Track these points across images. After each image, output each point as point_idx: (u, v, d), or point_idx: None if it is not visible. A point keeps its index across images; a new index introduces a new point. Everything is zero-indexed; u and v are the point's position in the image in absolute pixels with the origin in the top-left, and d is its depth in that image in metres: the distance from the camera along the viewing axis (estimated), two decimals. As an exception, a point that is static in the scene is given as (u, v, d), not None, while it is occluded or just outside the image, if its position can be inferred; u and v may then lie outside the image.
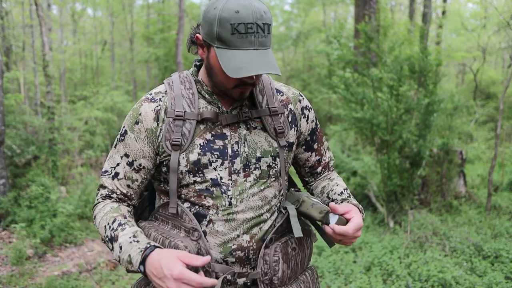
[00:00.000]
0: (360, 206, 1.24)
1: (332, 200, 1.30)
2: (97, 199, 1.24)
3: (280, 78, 18.48)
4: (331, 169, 1.44)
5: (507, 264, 3.41)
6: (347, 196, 1.29)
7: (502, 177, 6.50)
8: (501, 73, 16.37)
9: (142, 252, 1.05)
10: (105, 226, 1.15)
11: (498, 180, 6.52)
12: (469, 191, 5.65)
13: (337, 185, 1.34)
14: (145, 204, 1.38)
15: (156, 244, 1.08)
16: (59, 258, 4.41)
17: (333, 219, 1.14)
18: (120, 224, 1.14)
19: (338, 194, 1.30)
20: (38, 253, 4.37)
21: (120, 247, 1.09)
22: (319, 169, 1.39)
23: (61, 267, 4.10)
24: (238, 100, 1.19)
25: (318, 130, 1.36)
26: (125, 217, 1.17)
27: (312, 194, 1.41)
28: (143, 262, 1.04)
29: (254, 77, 1.11)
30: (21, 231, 4.58)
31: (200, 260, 0.99)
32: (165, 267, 0.97)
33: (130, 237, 1.09)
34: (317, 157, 1.37)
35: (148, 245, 1.06)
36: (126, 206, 1.23)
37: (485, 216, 4.80)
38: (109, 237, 1.13)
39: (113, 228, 1.13)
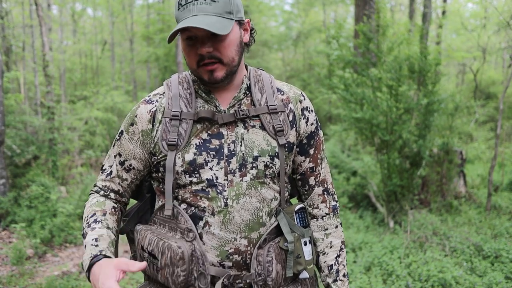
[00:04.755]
0: None
1: (320, 269, 1.31)
2: (90, 191, 1.30)
3: (280, 78, 18.54)
4: (329, 207, 1.33)
5: (507, 264, 3.41)
6: (333, 280, 1.30)
7: (502, 177, 6.50)
8: (501, 73, 16.36)
9: (91, 258, 1.08)
10: (85, 218, 1.21)
11: (498, 180, 6.52)
12: (469, 191, 5.65)
13: (330, 247, 1.31)
14: (147, 207, 1.37)
15: (107, 254, 1.10)
16: (59, 258, 4.41)
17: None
18: (95, 221, 1.18)
19: (328, 268, 1.30)
20: (38, 253, 4.38)
21: (85, 246, 1.14)
22: (311, 179, 1.29)
23: (61, 267, 4.10)
24: (212, 83, 1.13)
25: (318, 136, 1.29)
26: (104, 214, 1.20)
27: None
28: (89, 269, 1.08)
29: (205, 43, 1.07)
30: (21, 231, 4.58)
31: (135, 266, 1.02)
32: (101, 279, 1.01)
33: (93, 239, 1.13)
34: (311, 164, 1.28)
35: (99, 253, 1.09)
36: (113, 202, 1.26)
37: (485, 216, 4.80)
38: (83, 231, 1.18)
39: (88, 223, 1.18)
